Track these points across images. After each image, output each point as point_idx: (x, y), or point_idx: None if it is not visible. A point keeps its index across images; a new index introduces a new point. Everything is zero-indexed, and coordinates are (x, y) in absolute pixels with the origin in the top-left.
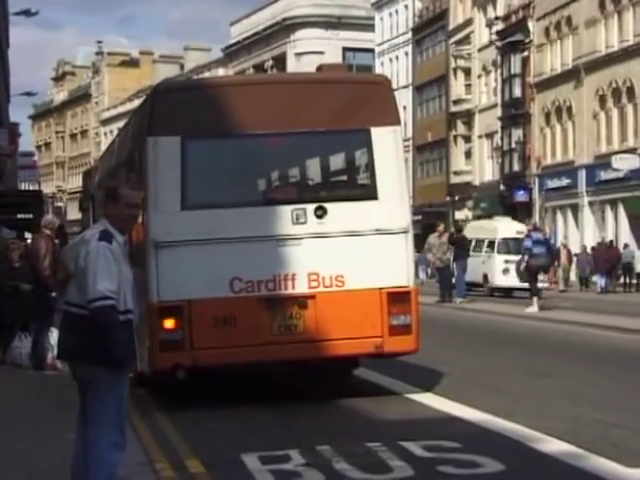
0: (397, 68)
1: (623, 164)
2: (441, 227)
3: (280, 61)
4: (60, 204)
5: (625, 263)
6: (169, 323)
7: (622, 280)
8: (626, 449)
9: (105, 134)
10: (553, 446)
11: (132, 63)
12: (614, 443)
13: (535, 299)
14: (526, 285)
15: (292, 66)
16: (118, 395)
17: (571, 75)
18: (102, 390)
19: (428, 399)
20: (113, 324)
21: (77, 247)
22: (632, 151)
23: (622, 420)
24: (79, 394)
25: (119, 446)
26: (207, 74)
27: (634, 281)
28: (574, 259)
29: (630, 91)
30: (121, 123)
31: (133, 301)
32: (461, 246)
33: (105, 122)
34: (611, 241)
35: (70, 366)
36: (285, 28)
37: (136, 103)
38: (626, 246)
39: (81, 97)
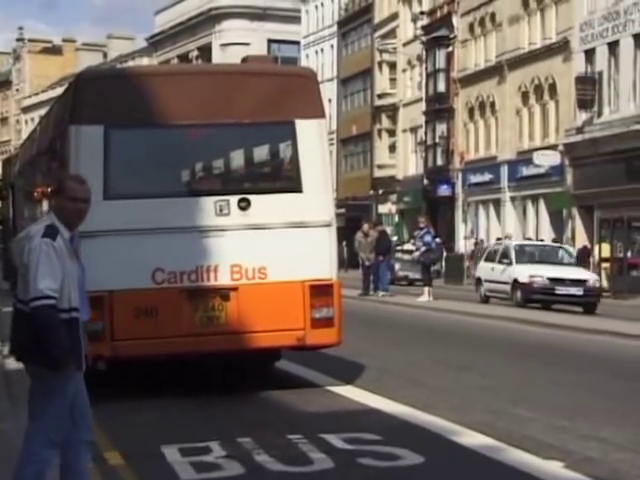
0: (322, 61)
1: (544, 160)
2: (365, 227)
3: (205, 51)
4: None
5: None
6: None
7: None
8: (543, 441)
9: (26, 122)
10: (472, 439)
11: (54, 50)
12: (532, 436)
13: (428, 289)
14: None
15: (217, 57)
16: (59, 393)
17: (494, 71)
18: (44, 387)
19: (349, 392)
20: (51, 324)
21: (22, 242)
22: (553, 148)
23: (539, 413)
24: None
25: (54, 444)
26: (131, 63)
27: None
28: None
29: (552, 88)
30: (43, 111)
31: (81, 298)
32: (384, 241)
33: (26, 109)
34: (506, 236)
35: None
36: (210, 18)
37: (59, 91)
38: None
39: (1, 84)
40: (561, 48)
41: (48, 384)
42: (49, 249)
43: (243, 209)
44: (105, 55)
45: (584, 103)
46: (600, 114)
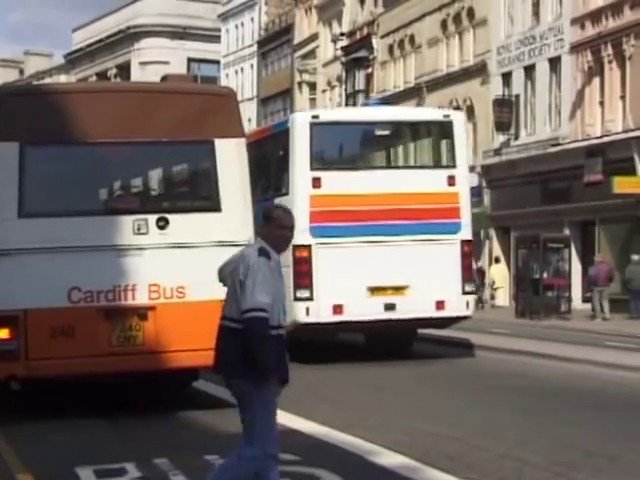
0: (242, 80)
1: None
2: None
3: (124, 70)
4: None
5: None
6: (3, 333)
7: None
8: (461, 461)
9: None
10: (390, 459)
11: None
12: (449, 455)
13: None
14: None
15: (136, 75)
16: (265, 406)
17: (413, 93)
18: (252, 403)
19: None
20: (263, 334)
21: (235, 264)
22: (471, 169)
23: (457, 433)
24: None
25: (270, 456)
26: (48, 80)
27: None
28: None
29: (470, 110)
30: None
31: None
32: None
33: None
34: None
35: (225, 380)
36: (129, 36)
37: None
38: None
39: None
40: (479, 71)
41: (254, 400)
42: (265, 268)
43: (161, 228)
44: (21, 72)
45: (501, 126)
46: (517, 137)
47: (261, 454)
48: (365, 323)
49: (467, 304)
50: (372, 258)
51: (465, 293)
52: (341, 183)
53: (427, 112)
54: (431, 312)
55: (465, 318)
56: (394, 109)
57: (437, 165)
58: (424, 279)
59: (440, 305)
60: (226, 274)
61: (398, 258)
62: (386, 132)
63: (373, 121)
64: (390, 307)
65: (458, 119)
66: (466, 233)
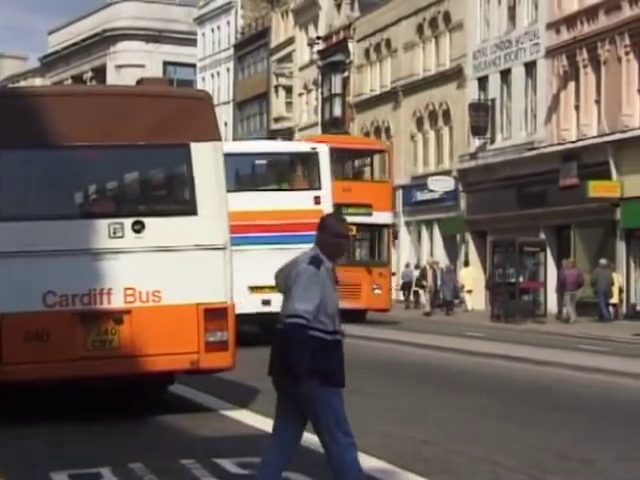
0: (218, 84)
1: (438, 185)
2: None
3: (100, 73)
4: None
5: (406, 282)
6: None
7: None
8: (436, 464)
9: None
10: (365, 462)
11: None
12: (425, 458)
13: None
14: None
15: (112, 78)
16: (327, 405)
17: (389, 97)
18: (313, 402)
19: (243, 416)
20: (297, 339)
21: (288, 270)
22: (447, 173)
23: (433, 436)
24: (279, 403)
25: (346, 433)
26: (23, 83)
27: (412, 298)
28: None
29: (446, 114)
30: None
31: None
32: None
33: None
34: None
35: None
36: (105, 39)
37: None
38: (407, 265)
39: None
40: (455, 75)
41: (312, 399)
42: (312, 275)
43: (137, 232)
44: None
45: (477, 130)
46: (493, 141)
47: (350, 440)
48: (248, 315)
49: None
50: (253, 263)
51: None
52: (230, 202)
53: (298, 145)
54: None
55: None
56: (272, 143)
57: (306, 188)
58: None
59: None
60: (281, 280)
61: (273, 263)
62: (265, 161)
63: (255, 153)
64: (266, 302)
65: (323, 151)
66: None
